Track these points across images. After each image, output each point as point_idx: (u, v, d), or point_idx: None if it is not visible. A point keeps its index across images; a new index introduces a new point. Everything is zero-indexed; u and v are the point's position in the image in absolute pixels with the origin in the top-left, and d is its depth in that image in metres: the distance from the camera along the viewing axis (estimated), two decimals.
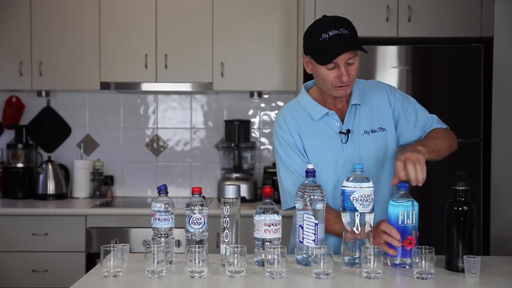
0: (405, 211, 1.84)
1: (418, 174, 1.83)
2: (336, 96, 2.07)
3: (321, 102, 2.12)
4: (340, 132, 2.08)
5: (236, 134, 3.92)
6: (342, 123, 2.09)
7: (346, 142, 2.07)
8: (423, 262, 1.73)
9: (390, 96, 2.15)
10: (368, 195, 1.83)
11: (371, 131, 2.09)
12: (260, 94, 3.95)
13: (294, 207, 1.91)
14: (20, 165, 3.94)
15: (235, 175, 3.88)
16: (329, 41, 1.92)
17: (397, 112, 2.14)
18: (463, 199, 1.84)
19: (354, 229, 1.85)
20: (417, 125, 2.15)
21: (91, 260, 3.46)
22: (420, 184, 1.85)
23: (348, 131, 2.08)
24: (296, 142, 2.09)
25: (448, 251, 1.84)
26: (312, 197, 1.85)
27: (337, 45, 1.92)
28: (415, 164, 1.83)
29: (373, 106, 2.12)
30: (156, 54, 3.75)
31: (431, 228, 3.28)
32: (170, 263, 1.89)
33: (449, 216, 1.84)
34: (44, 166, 3.91)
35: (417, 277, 1.74)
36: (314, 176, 1.88)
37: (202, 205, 1.88)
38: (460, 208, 1.83)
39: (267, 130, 4.11)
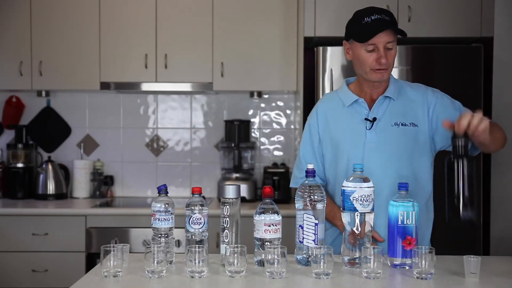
0: (405, 211, 1.84)
1: (479, 124, 1.81)
2: (374, 81, 2.13)
3: (356, 93, 2.20)
4: (365, 119, 2.14)
5: (236, 134, 3.92)
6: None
7: (369, 129, 2.12)
8: (423, 262, 1.73)
9: (430, 96, 2.17)
10: (368, 195, 1.83)
11: (402, 124, 2.13)
12: (260, 94, 3.95)
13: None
14: (20, 165, 3.94)
15: (235, 175, 3.88)
16: (371, 23, 2.04)
17: (437, 111, 2.14)
18: (462, 153, 1.82)
19: (354, 229, 1.85)
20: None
21: (91, 260, 3.45)
22: (476, 134, 1.82)
23: (374, 119, 2.12)
24: (319, 128, 2.22)
25: (450, 204, 1.80)
26: (312, 197, 1.85)
27: (378, 25, 2.04)
28: (479, 120, 1.81)
29: (407, 102, 2.17)
30: (156, 54, 3.75)
31: (431, 228, 3.28)
32: (170, 263, 1.89)
33: (449, 169, 1.82)
34: (44, 166, 3.91)
35: (417, 277, 1.74)
36: (314, 176, 1.89)
37: (202, 205, 1.88)
38: (460, 160, 1.81)
39: (267, 130, 4.11)
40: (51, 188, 3.88)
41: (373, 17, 2.05)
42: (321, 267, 1.73)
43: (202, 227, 1.88)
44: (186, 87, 3.78)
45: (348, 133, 2.16)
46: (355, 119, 2.16)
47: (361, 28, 2.06)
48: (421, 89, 2.22)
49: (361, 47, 2.08)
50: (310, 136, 2.24)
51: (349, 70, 3.21)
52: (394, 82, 2.20)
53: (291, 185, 2.31)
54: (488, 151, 2.15)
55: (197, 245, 1.79)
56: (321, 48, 3.34)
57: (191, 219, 1.87)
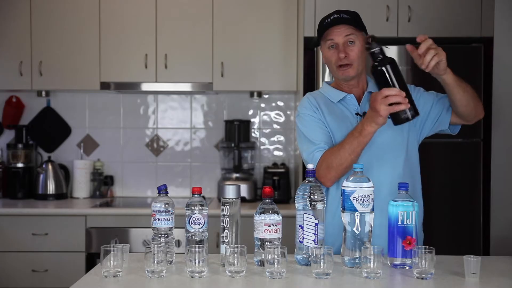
0: (405, 211, 1.84)
1: (432, 59, 1.94)
2: (342, 80, 2.17)
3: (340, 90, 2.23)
4: (356, 114, 2.17)
5: (236, 134, 3.92)
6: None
7: None
8: (423, 262, 1.73)
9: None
10: (368, 195, 1.83)
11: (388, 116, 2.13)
12: (260, 94, 3.95)
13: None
14: (20, 165, 3.94)
15: (235, 175, 3.88)
16: (329, 21, 2.12)
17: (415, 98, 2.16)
18: (382, 57, 1.92)
19: (354, 229, 1.85)
20: (439, 98, 2.21)
21: (91, 260, 3.46)
22: (427, 70, 1.95)
23: (364, 113, 2.14)
24: (319, 116, 2.18)
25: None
26: (312, 197, 1.85)
27: (334, 21, 2.11)
28: (436, 53, 1.94)
29: None
30: (156, 54, 3.75)
31: (431, 228, 3.29)
32: (170, 263, 1.89)
33: (379, 77, 1.92)
34: (44, 166, 3.91)
35: (417, 277, 1.74)
36: (314, 176, 1.89)
37: (202, 205, 1.88)
38: (385, 65, 1.91)
39: (267, 130, 4.11)
40: (51, 188, 3.88)
41: (332, 17, 2.13)
42: (321, 267, 1.73)
43: (202, 227, 1.88)
44: (186, 87, 3.78)
45: (342, 127, 2.16)
46: (346, 113, 2.19)
47: (320, 27, 2.15)
48: None
49: (324, 46, 2.16)
50: (313, 118, 2.18)
51: None
52: (371, 80, 2.24)
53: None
54: (463, 111, 2.15)
55: (197, 245, 1.79)
56: None
57: (191, 219, 1.87)
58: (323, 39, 2.16)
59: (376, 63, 1.92)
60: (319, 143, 2.12)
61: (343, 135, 2.11)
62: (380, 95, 1.91)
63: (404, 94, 1.89)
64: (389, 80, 1.91)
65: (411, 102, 1.89)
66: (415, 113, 1.91)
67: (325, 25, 2.13)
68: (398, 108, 1.89)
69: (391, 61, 1.93)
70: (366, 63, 2.19)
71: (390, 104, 1.89)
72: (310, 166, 1.90)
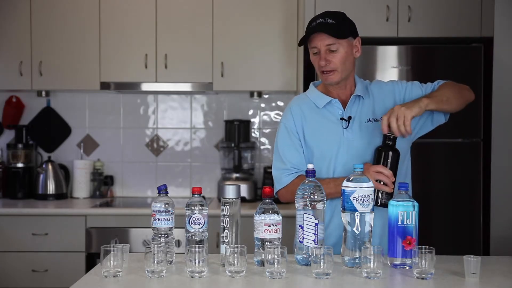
0: (405, 211, 1.84)
1: (400, 126, 1.98)
2: (329, 85, 2.19)
3: (326, 94, 2.23)
4: (341, 119, 2.18)
5: (236, 134, 3.92)
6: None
7: (346, 128, 2.17)
8: (423, 262, 1.73)
9: (396, 87, 2.24)
10: (368, 195, 1.84)
11: (374, 120, 2.18)
12: (260, 94, 3.95)
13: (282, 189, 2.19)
14: (20, 165, 3.94)
15: (235, 175, 3.88)
16: (313, 26, 2.12)
17: (405, 97, 2.21)
18: (392, 143, 2.03)
19: (354, 229, 1.85)
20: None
21: (91, 260, 3.45)
22: (405, 136, 2.02)
23: (349, 118, 2.17)
24: (298, 130, 2.21)
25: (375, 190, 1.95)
26: (312, 197, 1.85)
27: (316, 28, 2.11)
28: (398, 118, 1.97)
29: (376, 99, 2.22)
30: (156, 54, 3.75)
31: (431, 228, 3.29)
32: (170, 263, 1.89)
33: (378, 158, 2.03)
34: (44, 166, 3.91)
35: (417, 277, 1.74)
36: (314, 176, 1.89)
37: (202, 205, 1.88)
38: (388, 152, 2.02)
39: (267, 130, 4.11)
40: (51, 188, 3.88)
41: (317, 21, 2.12)
42: (321, 267, 1.73)
43: (202, 227, 1.88)
44: (186, 87, 3.78)
45: (325, 132, 2.18)
46: (330, 118, 2.20)
47: (306, 31, 2.15)
48: (386, 84, 2.28)
49: (310, 51, 2.17)
50: (289, 135, 2.22)
51: None
52: (360, 81, 2.25)
53: (277, 188, 2.21)
54: (455, 110, 2.20)
55: (197, 245, 1.79)
56: None
57: (191, 219, 1.87)
58: (308, 43, 2.16)
59: (385, 145, 2.04)
60: (288, 165, 2.19)
61: (326, 139, 2.17)
62: (375, 168, 2.00)
63: (394, 179, 1.99)
64: (388, 163, 2.02)
65: (392, 193, 2.00)
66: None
67: (309, 31, 2.13)
68: (383, 188, 1.99)
69: (397, 151, 2.05)
70: (354, 66, 2.21)
71: (378, 181, 1.97)
72: (310, 166, 1.90)
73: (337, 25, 2.11)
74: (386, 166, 2.01)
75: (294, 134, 2.22)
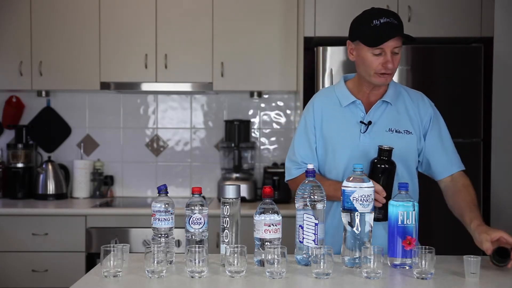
0: (405, 211, 1.84)
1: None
2: (375, 85, 2.13)
3: (354, 93, 2.18)
4: (361, 122, 2.13)
5: (236, 134, 3.92)
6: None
7: (364, 132, 2.12)
8: (423, 262, 1.73)
9: (428, 109, 2.19)
10: (368, 195, 1.84)
11: (396, 131, 2.13)
12: (260, 94, 3.95)
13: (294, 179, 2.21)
14: (20, 165, 3.94)
15: (235, 175, 3.88)
16: (380, 26, 2.02)
17: (429, 125, 2.18)
18: (387, 158, 2.00)
19: (354, 229, 1.85)
20: (441, 148, 2.18)
21: (91, 260, 3.45)
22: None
23: (370, 122, 2.12)
24: (316, 124, 2.20)
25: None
26: (312, 197, 1.85)
27: (388, 30, 2.02)
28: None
29: (402, 109, 2.17)
30: (156, 54, 3.75)
31: (431, 228, 3.29)
32: (170, 263, 1.89)
33: (373, 171, 2.00)
34: (44, 166, 3.91)
35: (417, 277, 1.74)
36: (314, 176, 1.89)
37: (202, 205, 1.88)
38: (382, 165, 1.99)
39: (267, 130, 4.11)
40: (51, 188, 3.88)
41: (382, 20, 2.02)
42: (321, 267, 1.73)
43: (202, 227, 1.88)
44: (186, 87, 3.78)
45: (342, 133, 2.15)
46: (350, 120, 2.16)
47: (370, 31, 2.03)
48: (419, 97, 2.22)
49: (367, 50, 2.06)
50: (306, 130, 2.22)
51: (349, 70, 3.20)
52: (393, 86, 2.19)
53: (286, 178, 2.27)
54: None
55: (197, 245, 1.79)
56: (321, 48, 3.34)
57: (191, 219, 1.87)
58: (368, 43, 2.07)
59: (380, 159, 2.01)
60: (299, 160, 2.21)
61: (342, 141, 2.14)
62: None
63: (384, 195, 1.94)
64: (380, 178, 1.99)
65: (386, 207, 1.93)
66: (384, 218, 1.96)
67: (377, 32, 2.02)
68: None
69: (393, 164, 2.02)
70: None
71: None
72: (310, 166, 1.90)
73: (402, 25, 2.06)
74: (379, 181, 1.97)
75: (311, 129, 2.20)
